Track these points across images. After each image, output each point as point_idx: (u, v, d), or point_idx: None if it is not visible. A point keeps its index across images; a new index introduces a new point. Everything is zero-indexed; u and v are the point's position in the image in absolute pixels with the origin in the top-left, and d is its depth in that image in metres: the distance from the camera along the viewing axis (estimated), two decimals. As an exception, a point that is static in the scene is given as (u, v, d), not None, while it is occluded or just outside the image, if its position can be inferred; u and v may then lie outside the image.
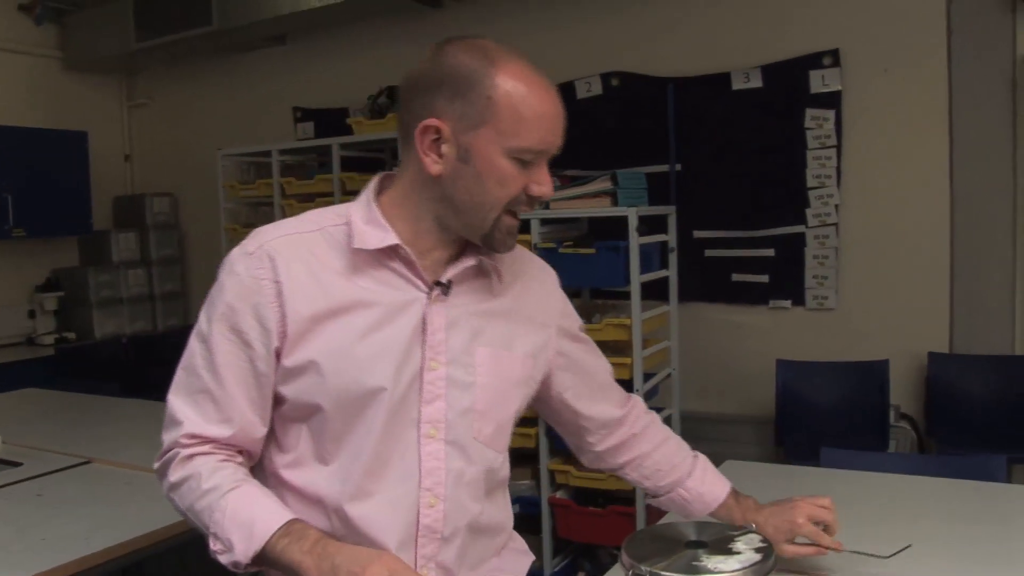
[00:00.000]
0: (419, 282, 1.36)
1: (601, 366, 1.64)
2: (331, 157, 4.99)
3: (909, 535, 1.89)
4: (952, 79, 4.17)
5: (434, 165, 1.31)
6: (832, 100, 4.39)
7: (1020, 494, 2.26)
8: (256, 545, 1.24)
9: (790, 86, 4.47)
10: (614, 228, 3.64)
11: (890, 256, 4.39)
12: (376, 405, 1.31)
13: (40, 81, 6.27)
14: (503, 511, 1.50)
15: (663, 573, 1.33)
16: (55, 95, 6.34)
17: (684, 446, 1.71)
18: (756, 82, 4.55)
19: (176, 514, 1.35)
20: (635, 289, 3.53)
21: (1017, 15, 4.02)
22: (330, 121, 5.70)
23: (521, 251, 1.50)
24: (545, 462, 3.77)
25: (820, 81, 4.40)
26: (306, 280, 1.32)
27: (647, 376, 3.75)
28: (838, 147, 4.41)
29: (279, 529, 1.25)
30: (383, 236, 1.34)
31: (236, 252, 1.35)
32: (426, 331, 1.35)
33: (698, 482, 1.67)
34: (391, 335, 1.33)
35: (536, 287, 1.51)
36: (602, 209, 3.66)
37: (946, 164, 4.23)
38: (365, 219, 1.36)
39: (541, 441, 3.78)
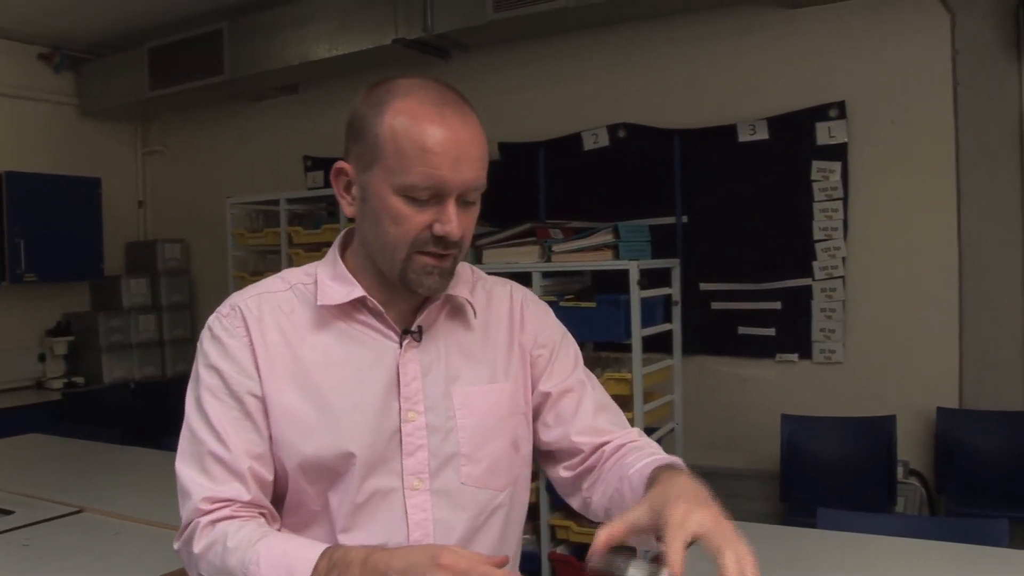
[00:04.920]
0: (390, 332, 1.34)
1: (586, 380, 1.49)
2: (339, 207, 4.96)
3: None
4: (959, 130, 4.15)
5: (348, 207, 1.34)
6: (839, 152, 4.37)
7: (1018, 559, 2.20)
8: None
9: (796, 138, 4.45)
10: (618, 281, 3.61)
11: (898, 309, 4.34)
12: (349, 470, 1.29)
13: (57, 128, 6.33)
14: (509, 547, 1.43)
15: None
16: (71, 142, 6.38)
17: (649, 450, 1.40)
18: (763, 134, 4.54)
19: (163, 565, 1.31)
20: (636, 343, 3.50)
21: (1023, 64, 4.00)
22: (340, 170, 5.68)
23: (487, 278, 1.47)
24: (545, 517, 3.72)
25: (827, 133, 4.39)
26: (276, 338, 1.32)
27: (650, 430, 3.69)
28: (844, 199, 4.38)
29: (319, 560, 1.18)
30: (348, 290, 1.33)
31: (212, 319, 1.35)
32: (400, 382, 1.32)
33: (637, 474, 1.37)
34: (363, 394, 1.31)
35: (505, 309, 1.45)
36: (603, 262, 3.64)
37: (954, 216, 4.19)
38: (331, 275, 1.36)
39: (541, 495, 3.73)
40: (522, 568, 1.47)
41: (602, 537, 1.12)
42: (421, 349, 1.35)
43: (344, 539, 1.29)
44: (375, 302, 1.33)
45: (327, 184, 5.64)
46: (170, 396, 6.12)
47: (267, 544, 1.21)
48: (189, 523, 1.29)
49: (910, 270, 4.30)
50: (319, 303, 1.33)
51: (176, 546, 1.32)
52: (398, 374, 1.32)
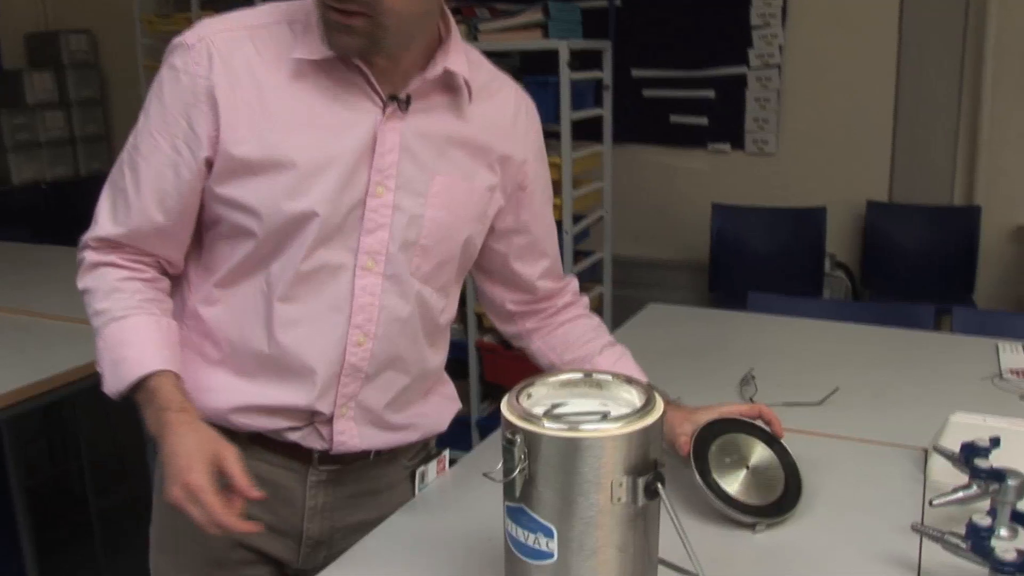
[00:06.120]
0: (375, 96, 1.19)
1: (547, 229, 1.45)
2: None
3: (837, 380, 1.86)
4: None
5: None
6: (780, -69, 4.17)
7: (945, 341, 2.23)
8: (121, 387, 1.19)
9: (737, -85, 4.21)
10: (546, 63, 3.43)
11: (834, 101, 4.27)
12: (306, 231, 1.17)
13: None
14: (436, 356, 1.39)
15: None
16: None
17: (604, 331, 1.53)
18: (701, -90, 4.29)
19: (75, 358, 1.41)
20: (565, 127, 3.36)
21: None
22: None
23: (499, 74, 1.34)
24: (472, 305, 3.66)
25: (768, -90, 4.16)
26: (246, 82, 1.16)
27: (578, 218, 3.60)
28: (784, -17, 4.21)
29: (137, 381, 1.18)
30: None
31: (176, 41, 1.19)
32: (375, 152, 1.19)
33: (607, 364, 1.46)
34: (333, 156, 1.18)
35: (508, 112, 1.33)
36: (532, 42, 3.47)
37: (896, 6, 4.08)
38: (307, 25, 1.19)
39: (467, 283, 3.62)
40: (449, 357, 1.43)
41: None
42: (406, 123, 1.21)
43: (282, 309, 1.20)
44: (360, 62, 1.17)
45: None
46: (85, 196, 5.85)
47: (118, 330, 1.21)
48: (82, 249, 1.27)
49: (848, 62, 4.21)
50: (295, 55, 1.17)
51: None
52: (374, 143, 1.19)
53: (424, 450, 1.46)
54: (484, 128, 1.28)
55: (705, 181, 4.53)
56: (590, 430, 0.91)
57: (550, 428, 0.91)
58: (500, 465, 0.94)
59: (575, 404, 1.01)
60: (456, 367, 3.99)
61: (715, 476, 1.31)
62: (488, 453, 1.61)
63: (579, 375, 1.05)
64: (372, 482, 1.37)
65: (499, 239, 1.39)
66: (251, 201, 1.17)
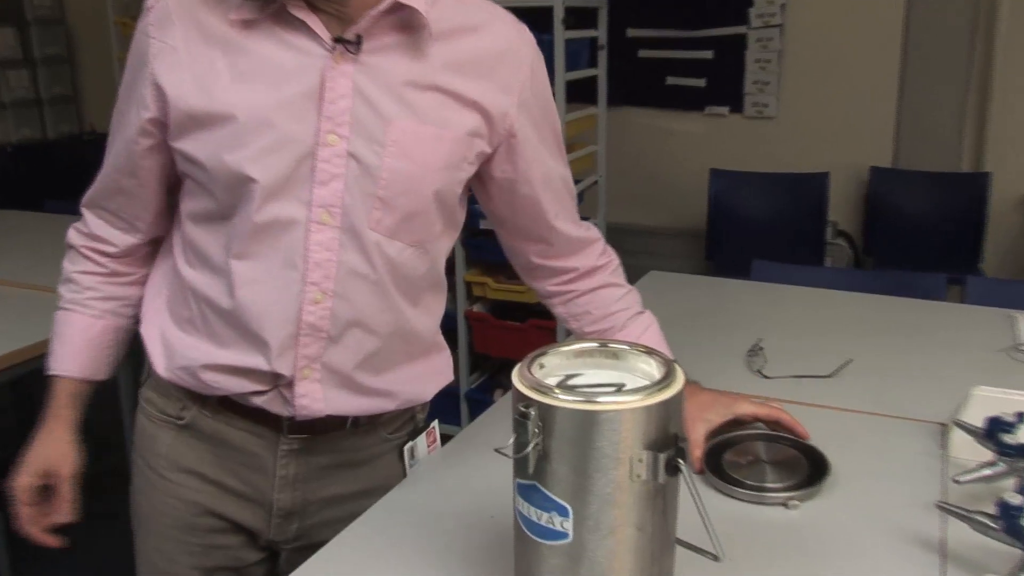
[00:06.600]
0: (321, 38, 1.15)
1: (552, 175, 1.37)
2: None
3: (847, 351, 1.85)
4: None
5: None
6: None
7: (959, 312, 2.21)
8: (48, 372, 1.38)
9: None
10: (538, 20, 3.37)
11: (837, 63, 4.25)
12: (253, 185, 1.15)
13: None
14: (423, 317, 1.34)
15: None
16: None
17: (632, 299, 1.48)
18: None
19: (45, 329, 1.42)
20: (560, 88, 3.34)
21: None
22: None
23: (494, 10, 1.27)
24: (461, 273, 3.64)
25: None
26: (196, 40, 1.17)
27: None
28: (786, -63, 4.17)
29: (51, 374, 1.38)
30: None
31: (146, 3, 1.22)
32: (324, 98, 1.15)
33: (628, 339, 1.42)
34: (278, 104, 1.15)
35: (494, 51, 1.25)
36: (525, -2, 3.40)
37: (903, -36, 4.05)
38: None
39: (457, 250, 3.62)
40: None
41: None
42: (359, 66, 1.16)
43: (238, 266, 1.18)
44: (306, 4, 1.14)
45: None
46: (54, 159, 5.83)
47: (58, 317, 1.39)
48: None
49: (853, 22, 4.17)
50: (231, 16, 1.15)
51: None
52: (322, 89, 1.15)
53: (411, 422, 1.42)
54: (455, 69, 1.21)
55: (702, 145, 4.50)
56: (609, 402, 0.88)
57: (566, 400, 0.88)
58: (512, 440, 0.91)
59: (590, 375, 0.98)
60: (444, 337, 3.99)
61: (735, 476, 1.32)
62: (485, 428, 1.58)
63: (594, 344, 1.02)
64: (348, 454, 1.34)
65: (501, 188, 1.33)
66: (200, 156, 1.18)
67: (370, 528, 1.26)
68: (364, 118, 1.17)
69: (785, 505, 1.28)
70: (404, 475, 1.39)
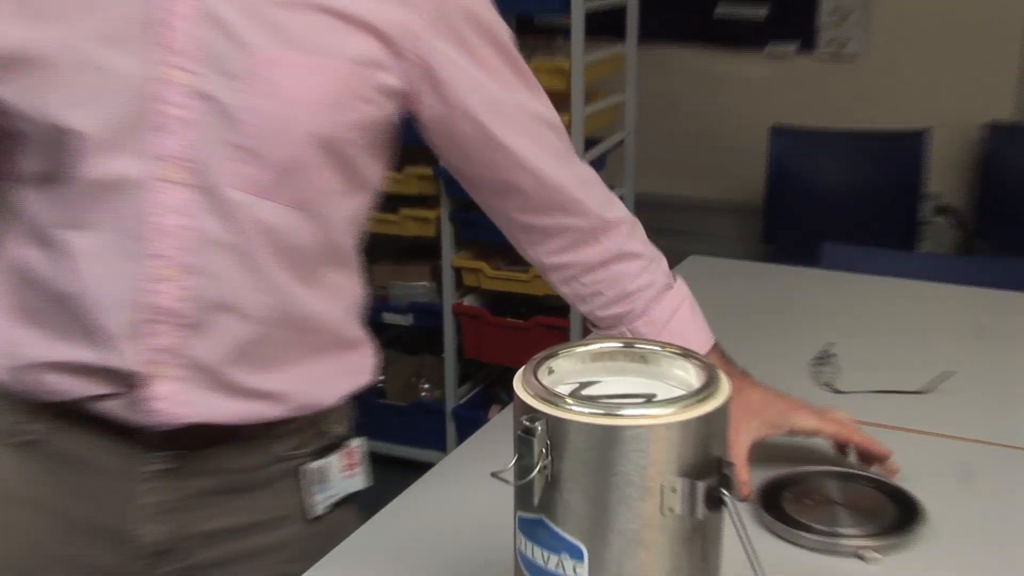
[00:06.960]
0: None
1: (501, 100, 1.38)
2: None
3: (944, 360, 1.86)
4: None
5: None
6: None
7: None
8: None
9: None
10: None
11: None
12: (78, 136, 1.17)
13: None
14: (321, 300, 1.35)
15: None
16: None
17: (656, 270, 1.48)
18: None
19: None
20: (577, 19, 3.39)
21: None
22: None
23: None
24: (449, 256, 3.65)
25: None
26: None
27: (591, 142, 3.61)
28: None
29: None
30: None
31: None
32: (161, 22, 1.17)
33: (653, 326, 1.45)
34: (98, 42, 1.17)
35: None
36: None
37: None
38: None
39: (443, 226, 3.66)
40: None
41: None
42: None
43: (72, 238, 1.21)
44: None
45: None
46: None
47: None
48: None
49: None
50: None
51: None
52: (159, 10, 1.17)
53: (318, 438, 1.41)
54: None
55: (762, 95, 4.55)
56: (634, 415, 0.90)
57: (581, 413, 0.91)
58: (513, 462, 0.93)
59: (611, 383, 1.00)
60: (426, 339, 3.99)
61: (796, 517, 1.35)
62: (477, 451, 1.61)
63: (616, 344, 1.05)
64: (234, 476, 1.35)
65: (440, 131, 1.35)
66: (16, 101, 1.18)
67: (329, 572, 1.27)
68: (217, 46, 1.18)
69: (861, 556, 1.29)
70: (305, 508, 1.39)
